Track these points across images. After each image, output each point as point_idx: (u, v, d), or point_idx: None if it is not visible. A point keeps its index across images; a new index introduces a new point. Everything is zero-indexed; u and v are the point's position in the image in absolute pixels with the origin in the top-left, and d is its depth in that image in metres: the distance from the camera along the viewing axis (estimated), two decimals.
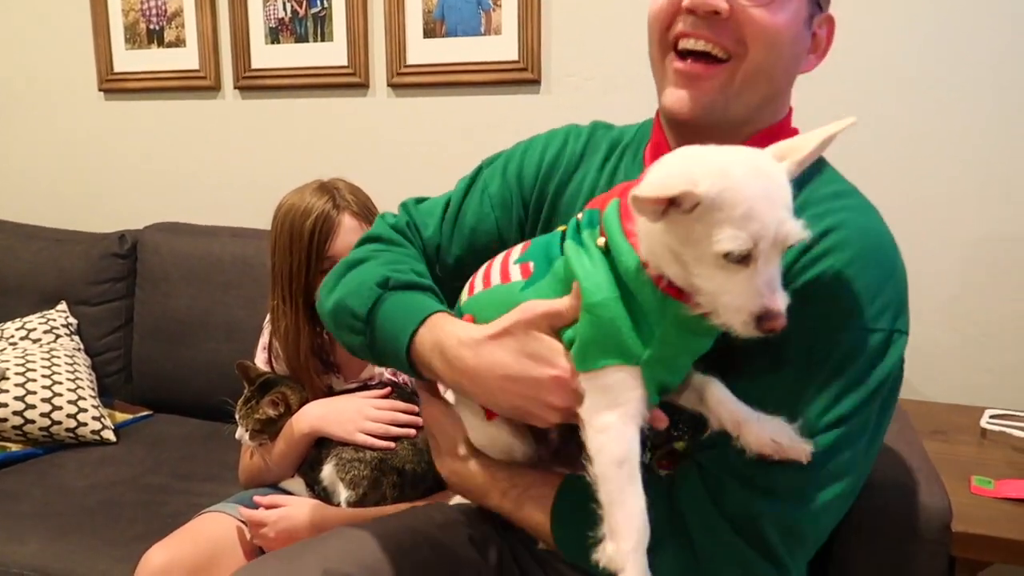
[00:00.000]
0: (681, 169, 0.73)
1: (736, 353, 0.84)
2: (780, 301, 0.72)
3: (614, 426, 0.78)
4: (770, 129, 0.96)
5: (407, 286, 0.96)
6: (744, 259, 0.71)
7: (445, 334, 0.89)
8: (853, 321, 0.84)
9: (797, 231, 0.72)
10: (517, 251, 0.94)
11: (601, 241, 0.82)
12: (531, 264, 0.90)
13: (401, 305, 0.94)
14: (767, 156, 0.77)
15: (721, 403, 0.83)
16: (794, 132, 0.99)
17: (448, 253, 1.08)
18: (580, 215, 0.88)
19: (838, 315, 0.84)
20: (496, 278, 0.92)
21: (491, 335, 0.85)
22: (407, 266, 1.00)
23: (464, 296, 0.97)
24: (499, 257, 0.95)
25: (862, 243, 0.86)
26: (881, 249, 0.89)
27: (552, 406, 0.83)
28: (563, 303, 0.83)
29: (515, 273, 0.90)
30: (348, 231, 1.41)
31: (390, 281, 0.96)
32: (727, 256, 0.70)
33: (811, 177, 0.92)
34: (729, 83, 0.91)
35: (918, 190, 1.75)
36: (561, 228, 0.91)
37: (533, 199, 1.08)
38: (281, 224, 1.42)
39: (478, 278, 0.96)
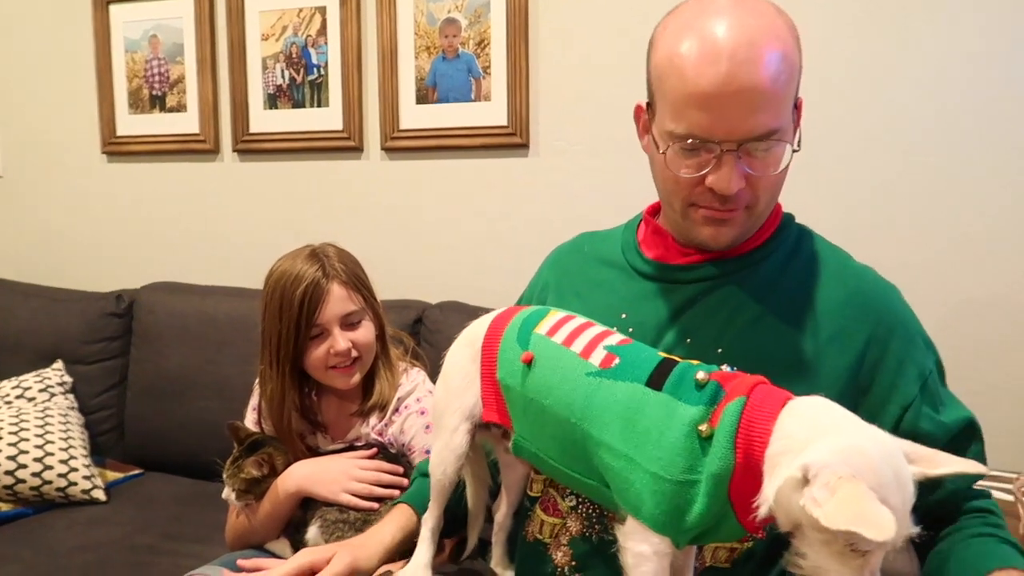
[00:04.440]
0: (871, 504, 0.71)
1: None
2: None
3: (647, 555, 0.85)
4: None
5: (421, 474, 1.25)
6: (864, 552, 0.74)
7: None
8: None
9: (912, 532, 0.76)
10: (616, 337, 0.95)
11: (705, 428, 0.82)
12: (617, 360, 0.91)
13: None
14: (902, 459, 0.77)
15: None
16: (777, 209, 1.09)
17: None
18: (702, 374, 0.86)
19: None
20: (579, 345, 0.94)
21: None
22: None
23: (545, 326, 0.98)
24: (597, 327, 0.97)
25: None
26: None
27: None
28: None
29: (597, 356, 0.92)
30: (337, 300, 1.45)
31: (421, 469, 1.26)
32: (855, 549, 0.73)
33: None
34: (749, 217, 1.01)
35: (894, 256, 1.79)
36: (663, 353, 0.93)
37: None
38: (272, 290, 1.46)
39: (567, 326, 0.97)
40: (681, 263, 1.07)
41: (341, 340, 1.45)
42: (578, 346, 0.94)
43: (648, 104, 1.03)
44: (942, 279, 1.78)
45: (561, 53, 2.01)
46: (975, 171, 1.74)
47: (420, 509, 1.16)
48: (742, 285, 1.04)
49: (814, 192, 1.81)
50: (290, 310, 1.43)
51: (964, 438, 1.00)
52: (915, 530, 0.74)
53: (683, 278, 1.06)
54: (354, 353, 1.46)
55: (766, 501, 0.76)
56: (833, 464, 0.72)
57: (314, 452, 1.50)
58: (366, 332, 1.49)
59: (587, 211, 1.97)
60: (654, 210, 1.15)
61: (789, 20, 0.96)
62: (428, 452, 1.20)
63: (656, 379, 0.87)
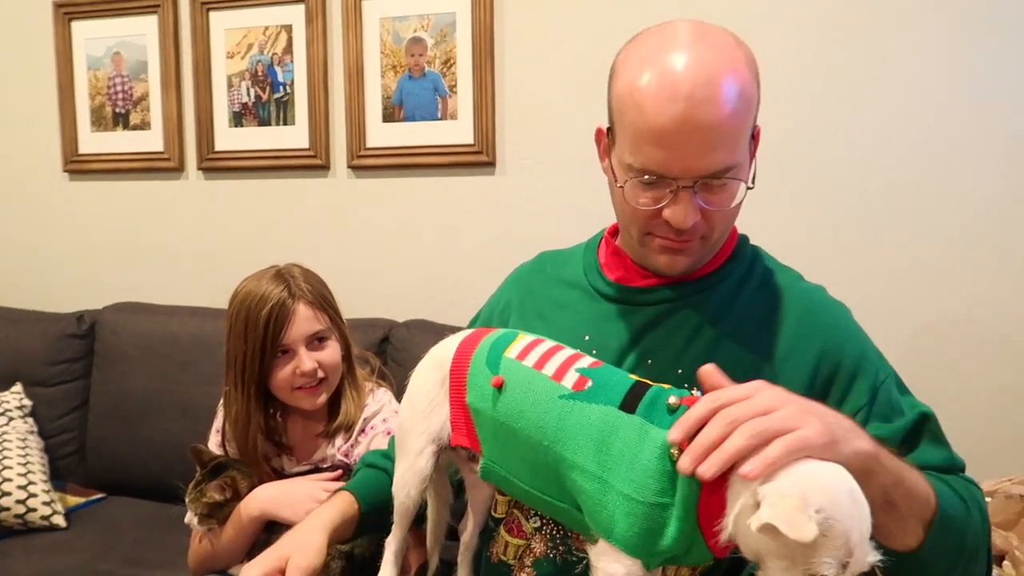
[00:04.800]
0: (801, 512, 0.71)
1: None
2: None
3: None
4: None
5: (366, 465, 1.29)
6: None
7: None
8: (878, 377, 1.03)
9: (873, 559, 0.75)
10: (586, 360, 0.95)
11: (676, 452, 0.81)
12: (589, 382, 0.91)
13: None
14: (855, 484, 0.76)
15: None
16: (732, 233, 1.11)
17: None
18: (673, 398, 0.86)
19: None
20: (550, 368, 0.94)
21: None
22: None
23: (515, 350, 0.97)
24: (567, 350, 0.97)
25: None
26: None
27: None
28: None
29: (569, 379, 0.92)
30: (303, 320, 1.44)
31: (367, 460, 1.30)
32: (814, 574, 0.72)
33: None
34: (704, 246, 1.03)
35: (856, 285, 1.82)
36: (634, 376, 0.93)
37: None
38: (237, 311, 1.44)
39: (537, 350, 0.97)
40: (642, 285, 1.08)
41: (307, 360, 1.44)
42: (550, 369, 0.94)
43: (608, 130, 1.05)
44: (905, 297, 1.81)
45: (527, 72, 2.03)
46: (940, 194, 1.79)
47: (361, 498, 1.18)
48: (700, 308, 1.05)
49: (781, 212, 1.84)
50: (255, 330, 1.42)
51: (913, 436, 1.00)
52: (876, 557, 0.74)
53: (644, 300, 1.07)
54: (320, 374, 1.46)
55: (726, 527, 0.77)
56: (783, 487, 0.73)
57: (279, 474, 1.49)
58: (332, 352, 1.49)
59: (553, 228, 1.96)
60: (615, 230, 1.17)
61: (748, 52, 0.97)
62: None
63: (629, 402, 0.88)
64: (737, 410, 0.77)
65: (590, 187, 1.95)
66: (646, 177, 0.95)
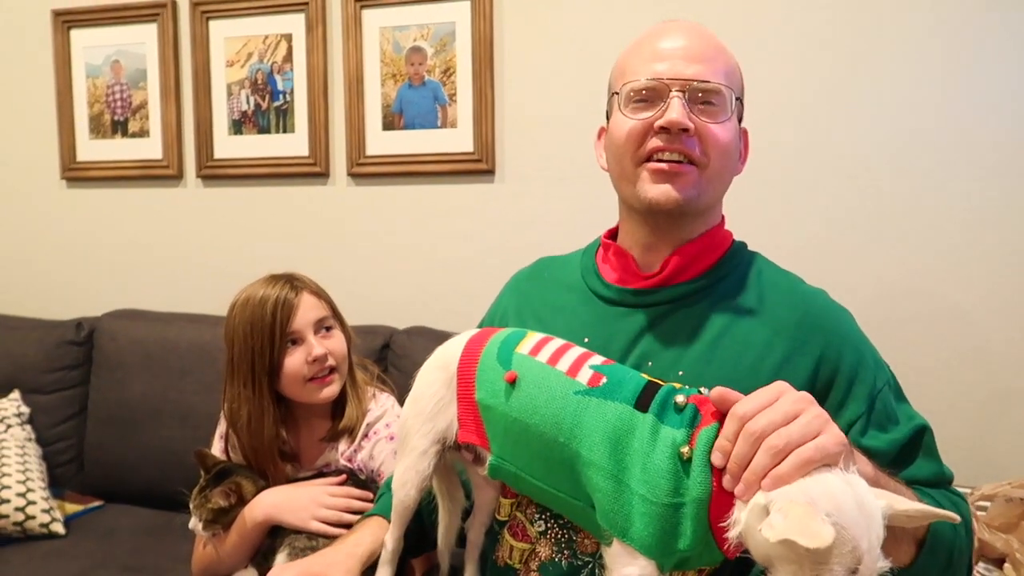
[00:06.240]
0: (813, 519, 0.72)
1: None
2: None
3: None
4: (714, 230, 1.12)
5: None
6: None
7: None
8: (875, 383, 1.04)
9: (883, 566, 0.75)
10: (598, 358, 0.96)
11: (687, 451, 0.83)
12: (604, 379, 0.91)
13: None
14: (868, 491, 0.77)
15: None
16: (727, 234, 1.14)
17: None
18: (680, 397, 0.87)
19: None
20: (564, 364, 0.94)
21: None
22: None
23: (526, 346, 0.98)
24: (578, 348, 0.98)
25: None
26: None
27: None
28: None
29: (584, 375, 0.92)
30: (309, 307, 1.46)
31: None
32: None
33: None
34: (699, 180, 1.06)
35: (852, 276, 1.84)
36: (645, 375, 0.93)
37: None
38: (239, 315, 1.45)
39: (549, 346, 0.97)
40: (640, 287, 1.09)
41: (317, 345, 1.45)
42: (563, 365, 0.94)
43: (608, 114, 1.12)
44: (899, 298, 1.83)
45: (526, 81, 2.05)
46: (928, 203, 1.81)
47: None
48: (698, 309, 1.06)
49: (772, 217, 1.86)
50: (262, 323, 1.43)
51: (909, 450, 1.02)
52: (886, 565, 0.74)
53: (642, 302, 1.08)
54: (330, 361, 1.46)
55: (737, 523, 0.77)
56: (791, 493, 0.74)
57: (285, 480, 1.49)
58: (339, 342, 1.50)
59: (553, 236, 1.99)
60: (612, 233, 1.18)
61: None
62: None
63: (643, 401, 0.88)
64: (760, 422, 0.78)
65: (589, 195, 1.98)
66: (644, 92, 1.04)
